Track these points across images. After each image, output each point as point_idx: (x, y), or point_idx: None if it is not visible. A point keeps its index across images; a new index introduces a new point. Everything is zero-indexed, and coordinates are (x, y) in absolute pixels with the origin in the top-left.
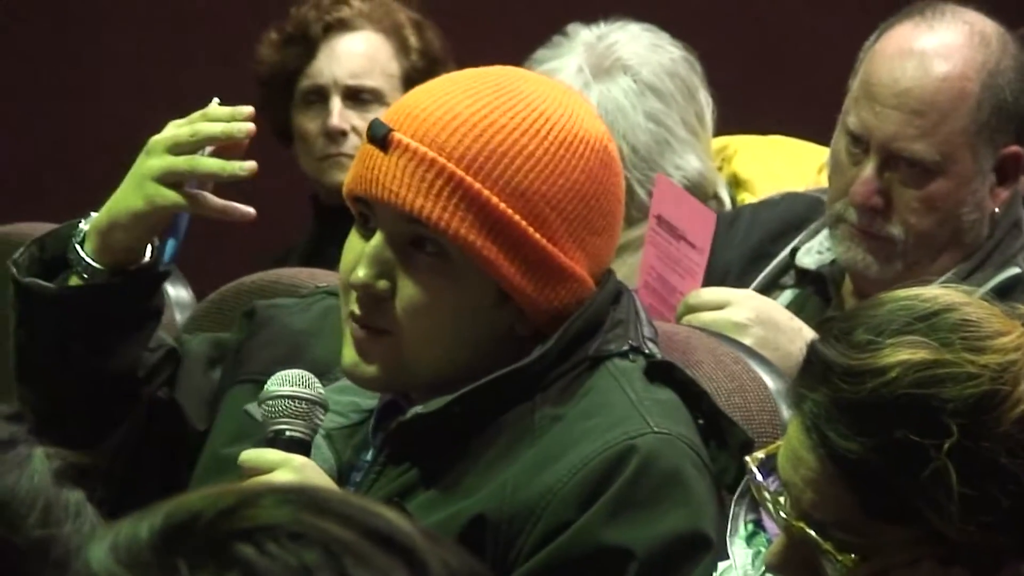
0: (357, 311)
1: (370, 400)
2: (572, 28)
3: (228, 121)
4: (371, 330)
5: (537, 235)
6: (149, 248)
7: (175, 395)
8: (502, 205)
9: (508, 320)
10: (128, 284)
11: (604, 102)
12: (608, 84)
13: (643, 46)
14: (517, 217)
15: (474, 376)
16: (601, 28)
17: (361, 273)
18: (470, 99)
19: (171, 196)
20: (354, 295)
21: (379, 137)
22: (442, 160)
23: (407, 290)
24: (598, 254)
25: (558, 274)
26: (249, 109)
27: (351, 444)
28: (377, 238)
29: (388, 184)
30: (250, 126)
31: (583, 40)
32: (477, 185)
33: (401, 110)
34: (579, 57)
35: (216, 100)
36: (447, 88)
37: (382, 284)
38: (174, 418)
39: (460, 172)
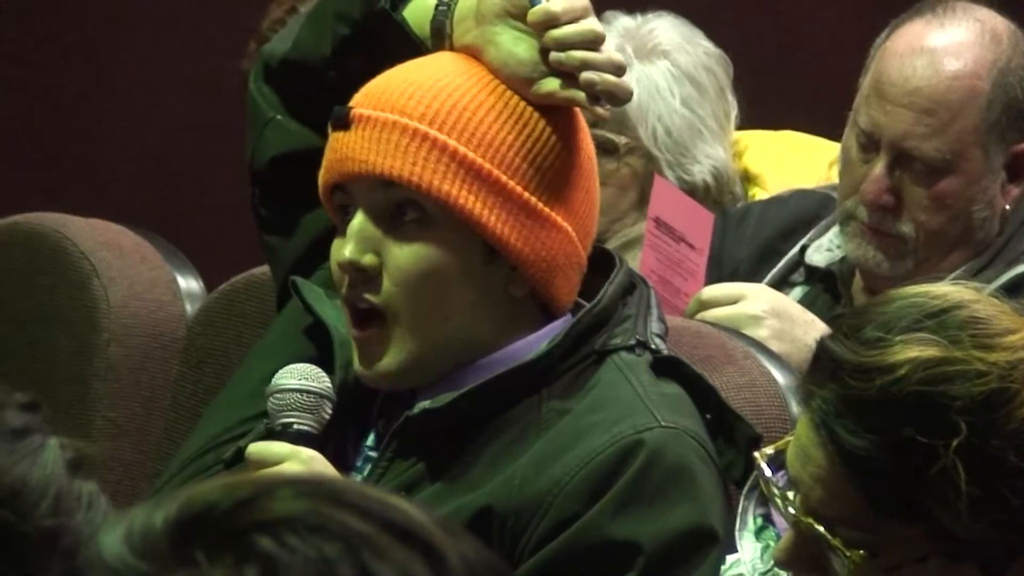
0: (347, 289)
1: None
2: (610, 14)
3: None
4: (367, 320)
5: (511, 182)
6: None
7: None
8: (471, 154)
9: (501, 280)
10: None
11: (643, 81)
12: (648, 66)
13: (681, 37)
14: (488, 165)
15: (481, 349)
16: (638, 18)
17: (347, 251)
18: (426, 69)
19: None
20: (347, 281)
21: (341, 118)
22: (404, 120)
23: (394, 259)
24: (577, 210)
25: (539, 221)
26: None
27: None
28: (358, 216)
29: (356, 156)
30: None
31: (623, 24)
32: (443, 137)
33: (359, 93)
34: (619, 38)
35: None
36: (403, 67)
37: (368, 259)
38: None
39: (424, 127)
